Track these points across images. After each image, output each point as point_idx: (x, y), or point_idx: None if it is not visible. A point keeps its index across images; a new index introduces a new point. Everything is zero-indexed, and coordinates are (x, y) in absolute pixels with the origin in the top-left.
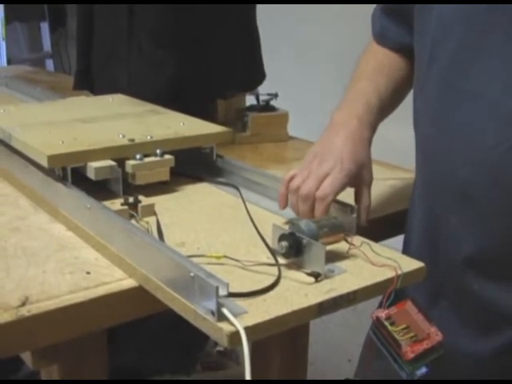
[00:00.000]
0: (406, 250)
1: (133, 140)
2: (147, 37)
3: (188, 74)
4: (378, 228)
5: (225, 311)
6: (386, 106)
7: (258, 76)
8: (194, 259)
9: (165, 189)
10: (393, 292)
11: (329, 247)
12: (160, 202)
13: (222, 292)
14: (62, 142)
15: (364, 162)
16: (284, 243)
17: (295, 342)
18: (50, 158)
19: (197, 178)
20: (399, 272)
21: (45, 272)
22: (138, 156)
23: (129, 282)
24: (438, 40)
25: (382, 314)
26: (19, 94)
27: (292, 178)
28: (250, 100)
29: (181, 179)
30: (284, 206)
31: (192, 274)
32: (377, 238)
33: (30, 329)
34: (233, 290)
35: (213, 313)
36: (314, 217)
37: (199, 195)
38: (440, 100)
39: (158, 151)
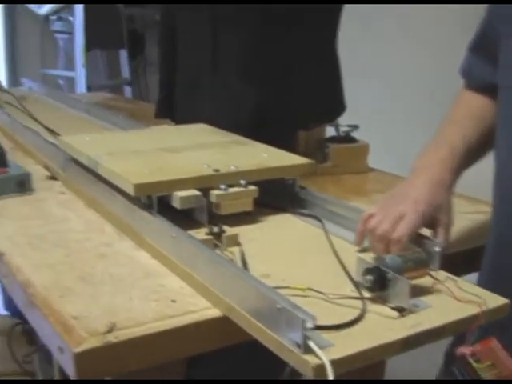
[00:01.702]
0: (479, 283)
1: (217, 170)
2: (230, 67)
3: (270, 106)
4: (458, 263)
5: (311, 344)
6: (473, 152)
7: (339, 107)
8: (279, 291)
9: (248, 219)
10: (477, 328)
11: (413, 282)
12: (243, 232)
13: (309, 325)
14: (148, 171)
15: (441, 205)
16: (369, 277)
17: (373, 370)
18: (137, 187)
19: (279, 209)
20: (484, 308)
21: (131, 299)
22: (222, 186)
23: (214, 312)
24: None
25: (467, 351)
26: (100, 120)
27: (369, 217)
28: (329, 131)
29: (263, 210)
30: (360, 243)
31: (279, 306)
32: (457, 272)
33: (117, 355)
34: (318, 322)
35: (299, 345)
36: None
37: (282, 226)
38: None
39: (242, 182)
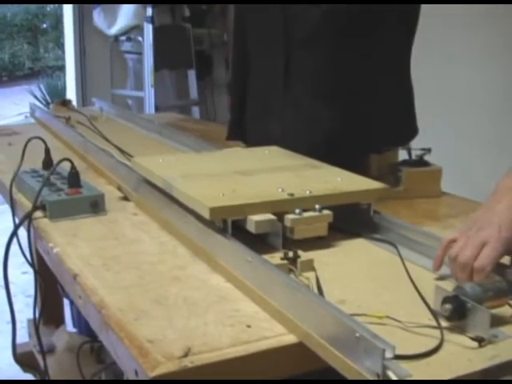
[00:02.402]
0: None
1: (292, 194)
2: (303, 89)
3: (343, 128)
4: None
5: (390, 374)
6: None
7: (411, 130)
8: (356, 318)
9: (321, 244)
10: None
11: (492, 311)
12: (317, 257)
13: (388, 355)
14: (223, 195)
15: None
16: (448, 306)
17: None
18: (212, 211)
19: (353, 234)
20: None
21: (206, 323)
22: (297, 211)
23: (289, 338)
24: None
25: None
26: (172, 141)
27: (450, 242)
28: (401, 155)
29: (337, 234)
30: (437, 268)
31: (357, 335)
32: None
33: (192, 380)
34: (396, 351)
35: (378, 375)
36: None
37: (356, 251)
38: None
39: (316, 206)
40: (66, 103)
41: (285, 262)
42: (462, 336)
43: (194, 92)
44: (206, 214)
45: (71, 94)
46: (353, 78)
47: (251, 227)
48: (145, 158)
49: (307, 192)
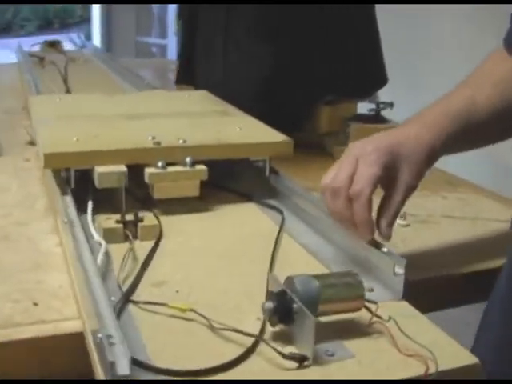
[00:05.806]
0: (485, 320)
1: (159, 143)
2: (244, 32)
3: (287, 73)
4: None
5: None
6: (476, 120)
7: (376, 80)
8: (152, 308)
9: (196, 206)
10: None
11: (342, 316)
12: (182, 222)
13: (122, 371)
14: (77, 140)
15: (407, 157)
16: (268, 304)
17: None
18: (48, 157)
19: (244, 197)
20: (431, 370)
21: None
22: (159, 163)
23: (74, 324)
24: None
25: None
26: (128, 84)
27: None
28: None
29: (224, 196)
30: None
31: (98, 340)
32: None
33: None
34: (185, 360)
35: None
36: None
37: (235, 219)
38: None
39: (187, 159)
40: (54, 44)
41: (118, 225)
42: (283, 349)
43: None
44: (42, 162)
45: (97, 41)
46: (301, 19)
47: (96, 180)
48: (42, 96)
49: (180, 141)
